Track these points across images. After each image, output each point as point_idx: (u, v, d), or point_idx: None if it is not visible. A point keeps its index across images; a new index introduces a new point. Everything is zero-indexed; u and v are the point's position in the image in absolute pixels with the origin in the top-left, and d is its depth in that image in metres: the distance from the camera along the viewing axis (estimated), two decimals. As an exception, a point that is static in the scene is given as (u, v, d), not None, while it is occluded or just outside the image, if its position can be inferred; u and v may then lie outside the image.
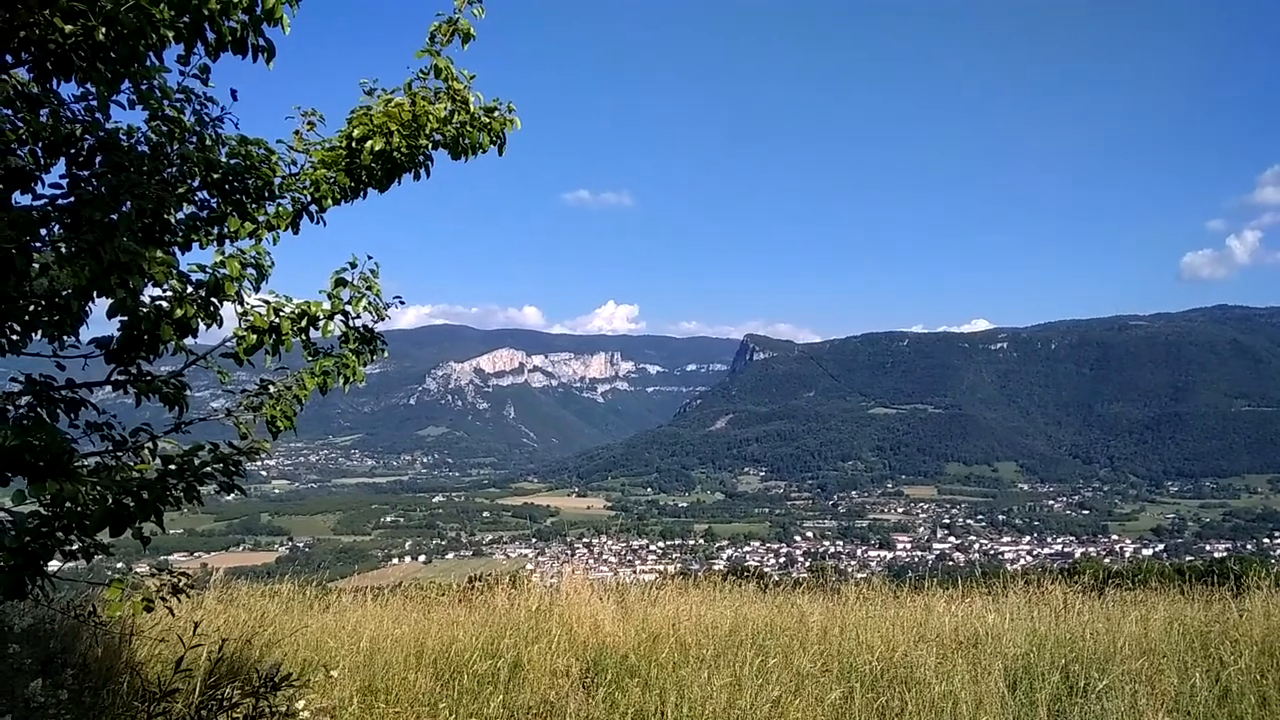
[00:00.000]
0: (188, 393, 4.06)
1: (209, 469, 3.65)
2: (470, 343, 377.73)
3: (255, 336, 4.01)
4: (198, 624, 4.45)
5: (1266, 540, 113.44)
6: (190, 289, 3.81)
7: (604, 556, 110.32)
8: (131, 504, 3.28)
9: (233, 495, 3.92)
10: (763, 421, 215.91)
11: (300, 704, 4.37)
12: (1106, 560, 38.47)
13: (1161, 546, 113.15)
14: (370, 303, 4.32)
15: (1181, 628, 7.38)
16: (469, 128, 4.56)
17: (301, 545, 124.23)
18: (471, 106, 4.54)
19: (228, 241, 4.17)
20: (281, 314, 4.09)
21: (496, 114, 4.68)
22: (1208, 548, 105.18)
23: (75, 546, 3.31)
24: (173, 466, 3.55)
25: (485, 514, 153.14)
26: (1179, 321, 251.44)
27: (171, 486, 3.46)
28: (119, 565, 8.43)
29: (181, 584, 3.95)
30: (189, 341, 3.93)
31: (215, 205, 4.17)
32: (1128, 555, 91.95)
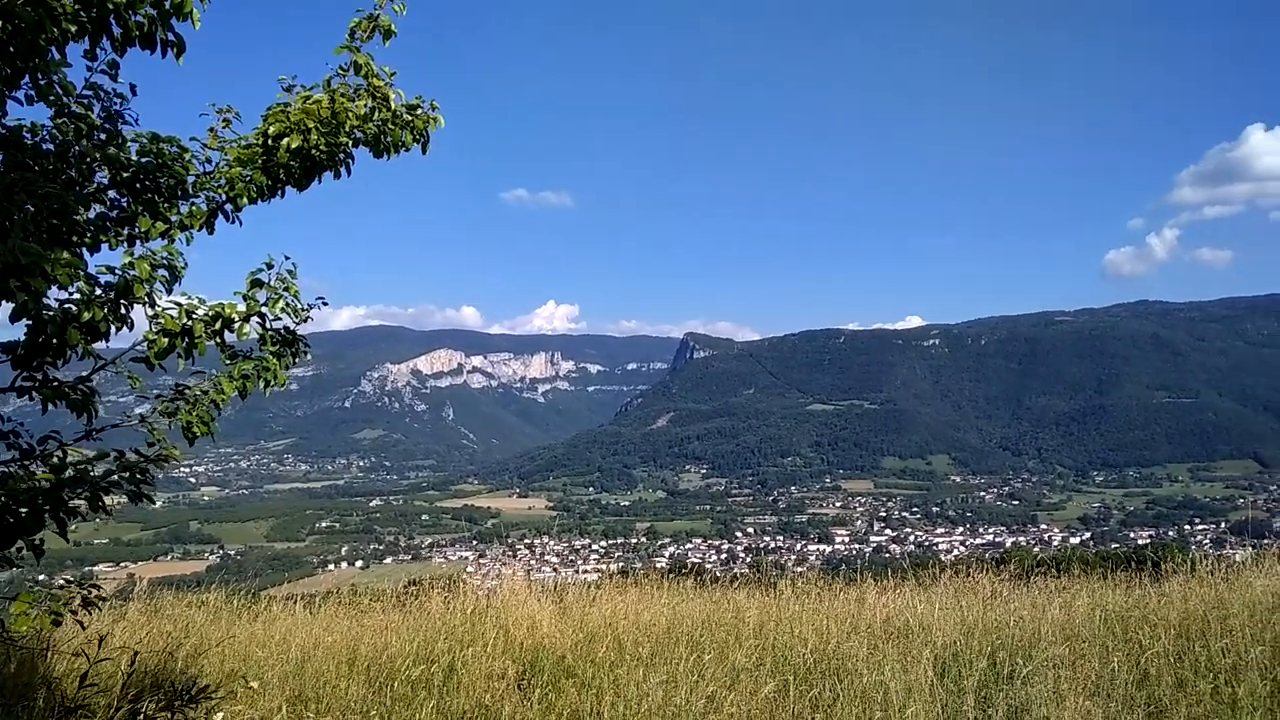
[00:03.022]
0: (98, 398, 3.91)
1: (114, 477, 3.52)
2: (407, 344, 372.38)
3: (167, 340, 3.88)
4: (103, 637, 4.31)
5: (1187, 527, 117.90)
6: (99, 291, 3.69)
7: (546, 557, 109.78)
8: (25, 513, 3.15)
9: (158, 504, 3.80)
10: (703, 419, 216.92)
11: (219, 716, 4.26)
12: (1036, 549, 39.61)
13: (1088, 534, 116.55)
14: (288, 304, 4.21)
15: (1103, 613, 7.58)
16: (391, 125, 4.49)
17: (233, 553, 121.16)
18: (393, 104, 4.47)
19: (139, 242, 4.04)
20: (194, 316, 3.96)
21: (419, 112, 4.61)
22: (1132, 535, 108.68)
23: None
24: (68, 475, 3.42)
25: (424, 517, 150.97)
26: (1102, 317, 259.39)
27: (71, 496, 3.33)
28: (41, 578, 8.14)
29: (92, 595, 3.82)
30: (99, 346, 3.80)
31: (126, 205, 4.04)
32: (1056, 544, 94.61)
